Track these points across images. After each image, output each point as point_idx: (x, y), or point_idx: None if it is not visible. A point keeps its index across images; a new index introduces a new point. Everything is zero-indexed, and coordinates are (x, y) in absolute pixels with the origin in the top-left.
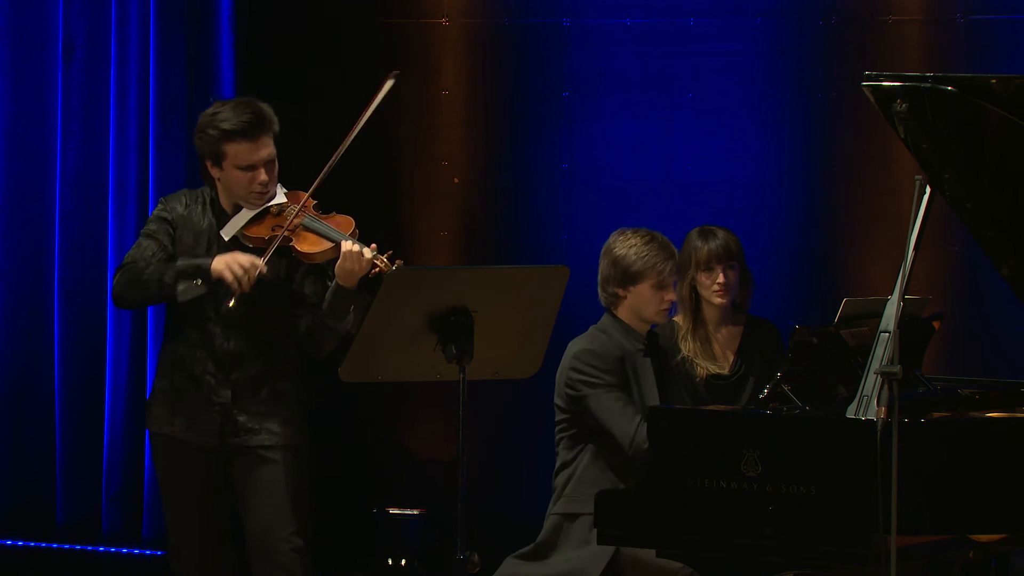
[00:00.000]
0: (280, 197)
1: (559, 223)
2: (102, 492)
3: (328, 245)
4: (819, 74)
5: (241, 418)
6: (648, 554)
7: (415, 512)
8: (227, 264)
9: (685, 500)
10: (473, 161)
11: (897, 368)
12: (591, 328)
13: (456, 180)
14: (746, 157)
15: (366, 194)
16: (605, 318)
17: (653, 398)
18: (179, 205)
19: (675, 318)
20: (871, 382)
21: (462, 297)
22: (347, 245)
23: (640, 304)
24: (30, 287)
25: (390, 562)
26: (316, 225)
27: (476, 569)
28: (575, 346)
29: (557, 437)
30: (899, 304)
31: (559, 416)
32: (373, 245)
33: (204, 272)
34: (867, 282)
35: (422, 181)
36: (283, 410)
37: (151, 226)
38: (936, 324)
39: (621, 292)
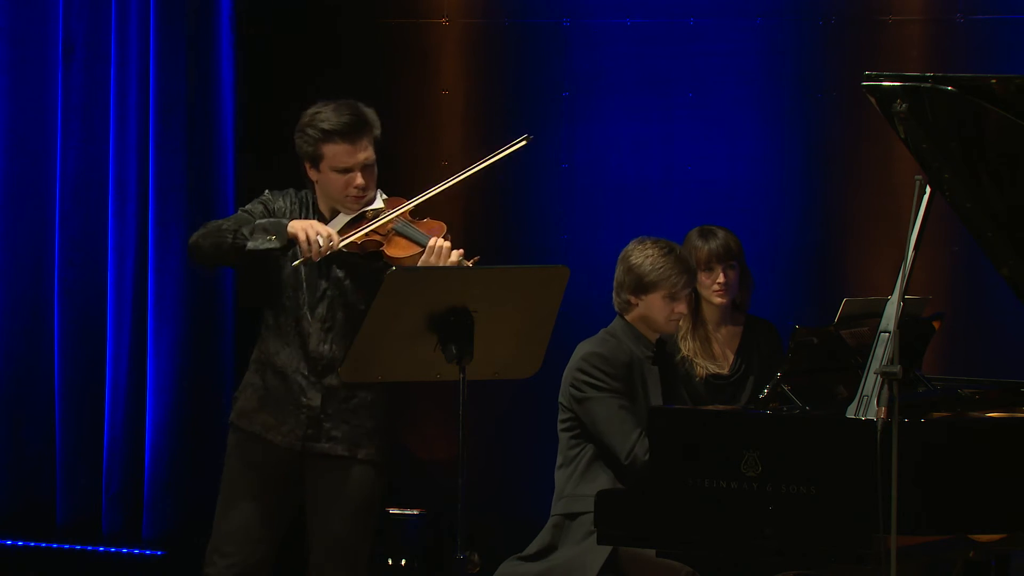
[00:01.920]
0: (378, 202)
1: (559, 223)
2: (102, 492)
3: (417, 249)
4: (819, 74)
5: (327, 424)
6: (648, 552)
7: (415, 512)
8: (304, 227)
9: (685, 500)
10: (473, 161)
11: (897, 368)
12: (601, 331)
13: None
14: (746, 157)
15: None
16: (617, 322)
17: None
18: (283, 201)
19: None
20: (871, 382)
21: (462, 297)
22: (435, 241)
23: (651, 313)
24: (30, 287)
25: (390, 562)
26: (408, 230)
27: (476, 569)
28: (584, 348)
29: (560, 435)
30: (899, 304)
31: (563, 415)
32: (461, 250)
33: (281, 228)
34: (867, 282)
35: (422, 181)
36: (368, 422)
37: (250, 206)
38: (936, 324)
39: (633, 300)
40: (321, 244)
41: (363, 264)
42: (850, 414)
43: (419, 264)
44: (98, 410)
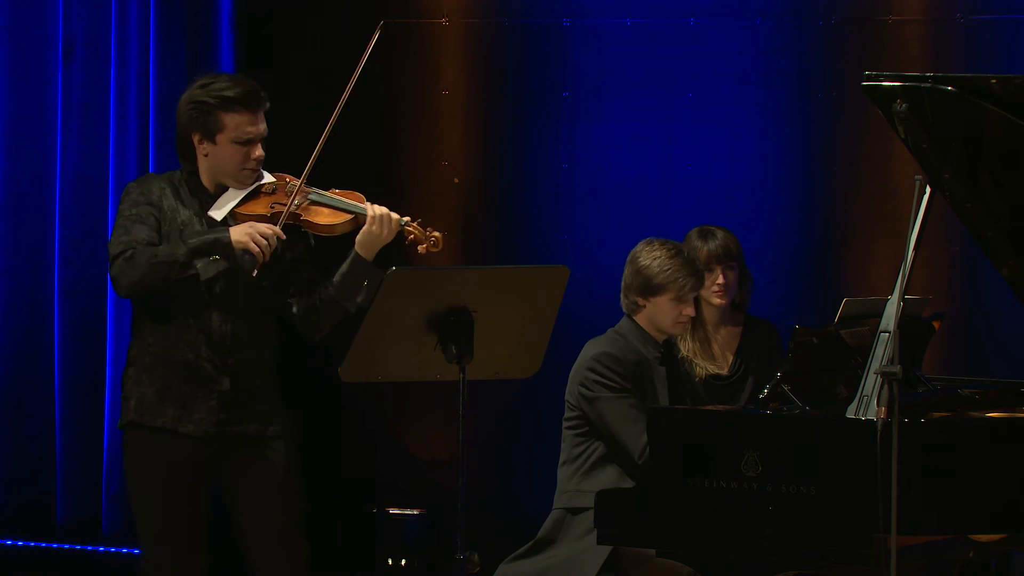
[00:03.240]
0: (267, 177)
1: (559, 223)
2: (102, 492)
3: (347, 216)
4: (819, 74)
5: (237, 405)
6: (648, 552)
7: (415, 512)
8: (248, 233)
9: (685, 500)
10: (473, 161)
11: (897, 368)
12: (609, 331)
13: (456, 180)
14: (746, 157)
15: (366, 194)
16: (624, 322)
17: None
18: (154, 189)
19: None
20: (871, 382)
21: (462, 297)
22: (377, 209)
23: (658, 315)
24: (30, 287)
25: (390, 562)
26: (326, 199)
27: (476, 569)
28: (594, 347)
29: (565, 432)
30: (899, 304)
31: (569, 412)
32: (400, 216)
33: (223, 246)
34: (867, 282)
35: (422, 181)
36: (274, 398)
37: (133, 210)
38: (936, 324)
39: (641, 301)
40: (270, 243)
41: (257, 268)
42: (850, 414)
43: (362, 234)
44: (98, 410)
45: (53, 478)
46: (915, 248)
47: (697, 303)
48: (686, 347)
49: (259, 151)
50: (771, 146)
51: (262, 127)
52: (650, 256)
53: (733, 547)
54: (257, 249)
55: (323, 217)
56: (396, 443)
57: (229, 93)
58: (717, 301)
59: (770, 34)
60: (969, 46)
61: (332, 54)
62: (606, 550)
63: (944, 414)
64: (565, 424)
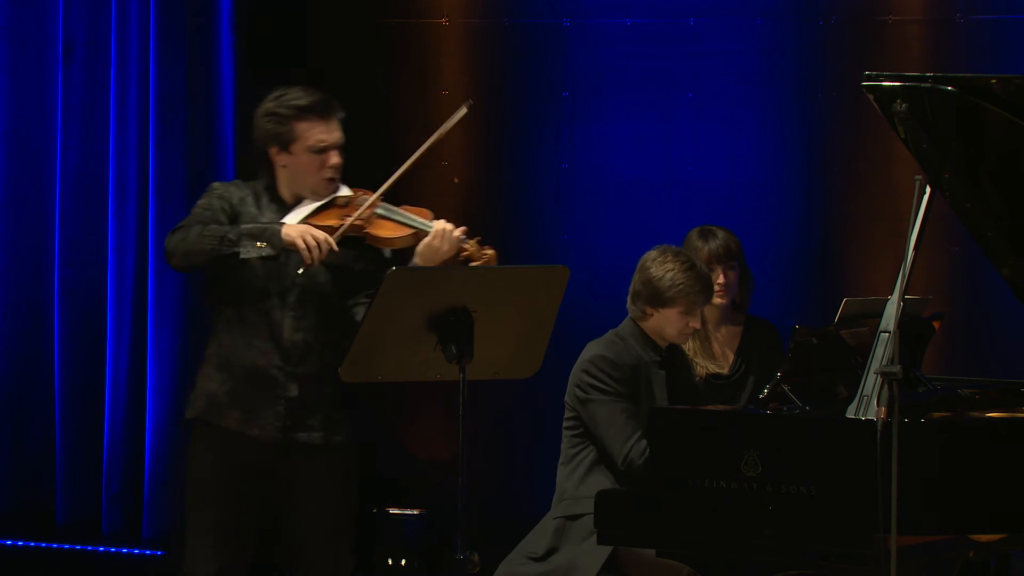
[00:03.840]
0: (345, 190)
1: (559, 223)
2: (102, 492)
3: (408, 231)
4: (819, 74)
5: (304, 413)
6: (648, 552)
7: (415, 512)
8: (301, 233)
9: (685, 500)
10: (473, 161)
11: (897, 368)
12: (610, 332)
13: (456, 180)
14: (746, 157)
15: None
16: (627, 325)
17: None
18: (236, 193)
19: None
20: (871, 382)
21: (462, 297)
22: (440, 224)
23: (665, 325)
24: (30, 287)
25: (390, 562)
26: (393, 214)
27: (476, 569)
28: (592, 350)
29: (564, 433)
30: (899, 304)
31: (567, 414)
32: (464, 227)
33: (273, 235)
34: (867, 282)
35: (422, 181)
36: (342, 408)
37: (207, 203)
38: (936, 324)
39: (649, 310)
40: (321, 249)
41: (339, 252)
42: (850, 414)
43: (423, 246)
44: (98, 410)
45: (53, 478)
46: (915, 248)
47: None
48: (686, 346)
49: (335, 158)
50: (771, 146)
51: (336, 135)
52: (663, 268)
53: (733, 547)
54: (305, 250)
55: (385, 231)
56: (396, 443)
57: (302, 102)
58: (718, 301)
59: (770, 34)
60: (969, 46)
61: (332, 54)
62: (605, 551)
63: (944, 414)
64: (564, 425)
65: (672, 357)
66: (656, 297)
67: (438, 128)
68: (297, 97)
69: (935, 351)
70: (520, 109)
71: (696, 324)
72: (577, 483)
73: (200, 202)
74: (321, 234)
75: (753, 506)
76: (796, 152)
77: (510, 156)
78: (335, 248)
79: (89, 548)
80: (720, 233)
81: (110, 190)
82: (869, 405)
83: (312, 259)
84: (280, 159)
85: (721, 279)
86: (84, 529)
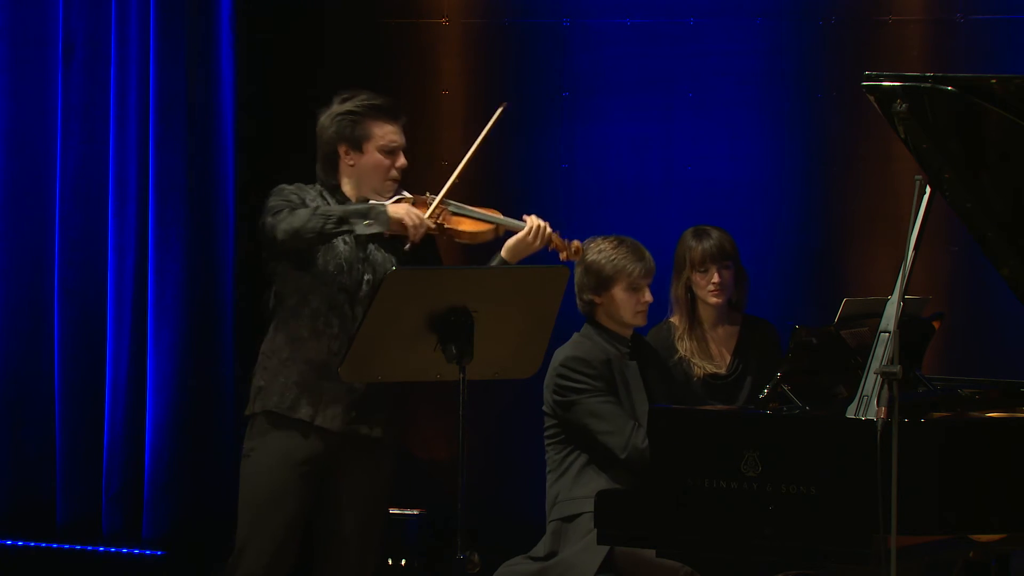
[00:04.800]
0: (406, 194)
1: (559, 223)
2: (102, 492)
3: (488, 227)
4: (819, 74)
5: (370, 407)
6: (647, 553)
7: (415, 512)
8: (405, 212)
9: (685, 500)
10: (473, 161)
11: (897, 368)
12: (574, 335)
13: (456, 180)
14: (746, 157)
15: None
16: (586, 327)
17: (642, 401)
18: (306, 194)
19: (671, 319)
20: (871, 382)
21: (462, 297)
22: (533, 220)
23: (615, 308)
24: (30, 287)
25: (390, 562)
26: (466, 211)
27: (476, 569)
28: (561, 353)
29: (547, 443)
30: (899, 304)
31: (547, 422)
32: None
33: (380, 214)
34: (867, 282)
35: (422, 181)
36: (400, 405)
37: (283, 193)
38: (936, 324)
39: (596, 299)
40: (421, 229)
41: (408, 249)
42: (850, 414)
43: (516, 241)
44: (98, 410)
45: (53, 478)
46: (915, 248)
47: (693, 303)
48: (683, 347)
49: (402, 160)
50: (771, 146)
51: (403, 138)
52: (595, 251)
53: (733, 547)
54: (412, 227)
55: (466, 226)
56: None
57: (376, 102)
58: (713, 300)
59: (770, 34)
60: (969, 46)
61: (332, 54)
62: (604, 551)
63: (944, 414)
64: (546, 435)
65: (639, 348)
66: (597, 281)
67: (481, 130)
68: (371, 98)
69: (935, 351)
70: (520, 109)
71: (648, 298)
72: (570, 485)
73: (283, 193)
74: (420, 213)
75: (753, 506)
76: (796, 152)
77: (510, 156)
78: (432, 228)
79: (89, 548)
80: (714, 233)
81: (110, 190)
82: (869, 405)
83: (416, 236)
84: (349, 158)
85: (716, 278)
86: (84, 529)
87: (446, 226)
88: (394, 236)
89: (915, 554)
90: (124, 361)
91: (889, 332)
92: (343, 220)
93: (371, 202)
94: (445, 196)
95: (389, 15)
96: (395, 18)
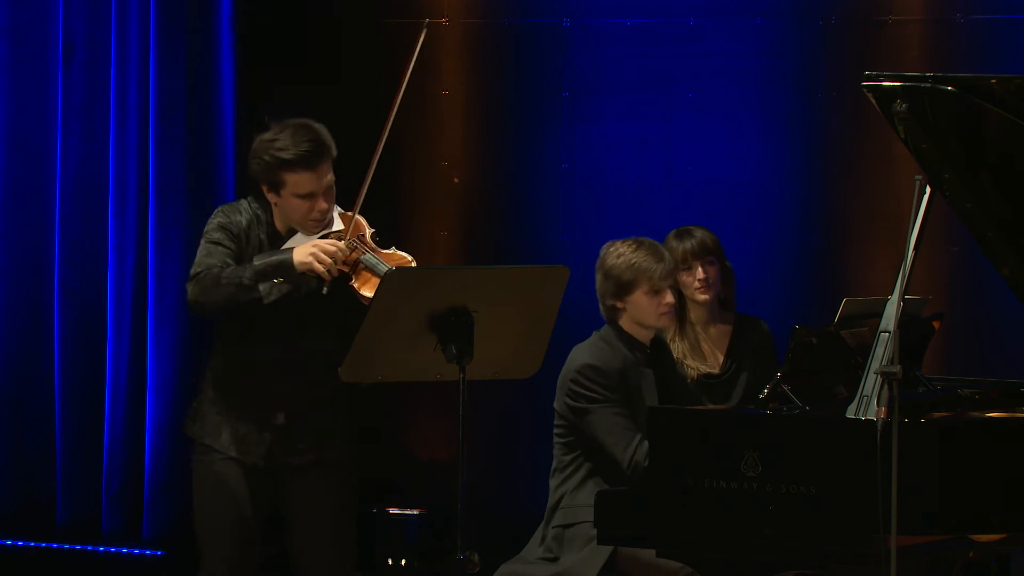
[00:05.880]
0: (336, 222)
1: (559, 223)
2: (102, 492)
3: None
4: (819, 74)
5: (292, 439)
6: (648, 553)
7: (415, 512)
8: (311, 254)
9: (685, 500)
10: (473, 161)
11: (897, 368)
12: (594, 335)
13: (456, 180)
14: (746, 157)
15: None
16: (607, 328)
17: None
18: (240, 216)
19: None
20: (871, 382)
21: (462, 297)
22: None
23: (638, 313)
24: (30, 287)
25: (390, 562)
26: (372, 261)
27: (476, 569)
28: (578, 357)
29: (555, 440)
30: (899, 304)
31: (557, 420)
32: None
33: (286, 268)
34: (867, 282)
35: (422, 181)
36: (331, 423)
37: (215, 234)
38: (936, 324)
39: (619, 304)
40: (335, 259)
41: (326, 292)
42: (850, 414)
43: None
44: (98, 410)
45: (53, 478)
46: (915, 248)
47: (683, 303)
48: (676, 348)
49: (322, 203)
50: (771, 146)
51: (325, 180)
52: (615, 256)
53: (733, 547)
54: (322, 268)
55: (367, 287)
56: (396, 443)
57: (286, 155)
58: (701, 297)
59: (770, 34)
60: (969, 46)
61: (332, 54)
62: (606, 552)
63: (944, 414)
64: (556, 432)
65: (659, 353)
66: (619, 287)
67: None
68: (284, 147)
69: (935, 351)
70: (520, 109)
71: (670, 300)
72: (573, 491)
73: (208, 232)
74: (330, 244)
75: (753, 506)
76: (796, 152)
77: (510, 156)
78: (347, 253)
79: (89, 548)
80: (697, 232)
81: (110, 190)
82: (869, 405)
83: (332, 273)
84: (270, 196)
85: (701, 274)
86: (84, 529)
87: (354, 282)
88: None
89: (915, 554)
90: (124, 361)
91: (889, 332)
92: (251, 287)
93: (281, 250)
94: (363, 237)
95: (389, 15)
96: (395, 18)
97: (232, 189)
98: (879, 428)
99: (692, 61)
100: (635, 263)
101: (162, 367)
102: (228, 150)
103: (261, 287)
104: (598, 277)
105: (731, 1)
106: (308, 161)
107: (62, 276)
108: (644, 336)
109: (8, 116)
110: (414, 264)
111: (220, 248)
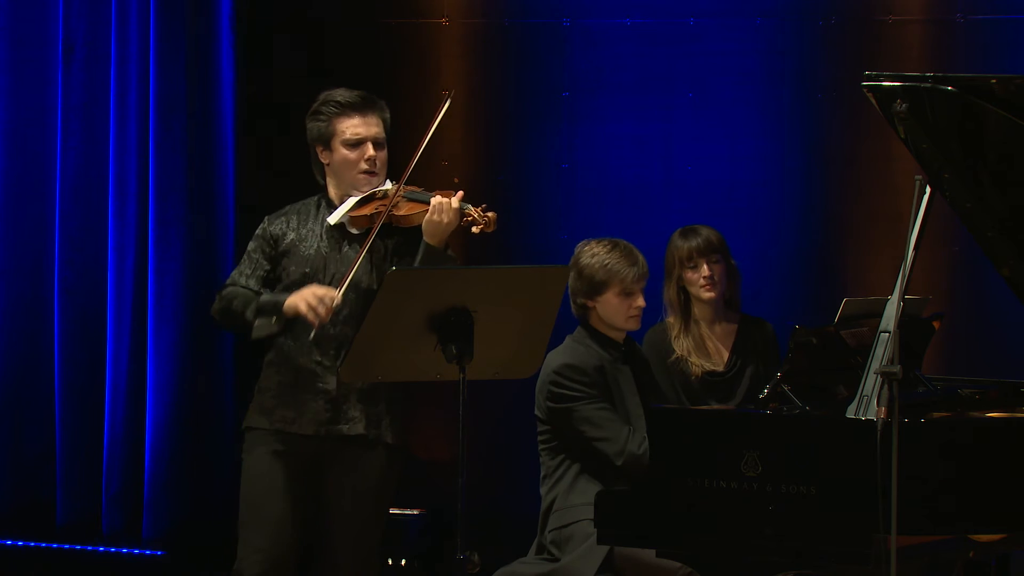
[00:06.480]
0: (388, 185)
1: (559, 223)
2: (102, 492)
3: (422, 207)
4: (819, 74)
5: (345, 405)
6: (645, 553)
7: (415, 512)
8: (303, 298)
9: (685, 500)
10: (473, 161)
11: (897, 368)
12: (567, 339)
13: (456, 180)
14: (746, 157)
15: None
16: (579, 330)
17: (636, 406)
18: (282, 221)
19: (667, 319)
20: (871, 382)
21: (462, 297)
22: (437, 198)
23: (609, 313)
24: (30, 287)
25: (390, 562)
26: (414, 195)
27: (476, 569)
28: (554, 360)
29: (540, 448)
30: (899, 304)
31: (540, 427)
32: (460, 192)
33: (277, 309)
34: (867, 282)
35: (422, 181)
36: (384, 404)
37: (251, 244)
38: (936, 324)
39: (589, 303)
40: (325, 306)
41: (377, 242)
42: (850, 414)
43: (426, 222)
44: (98, 410)
45: (53, 478)
46: (915, 248)
47: (688, 302)
48: (680, 346)
49: (371, 150)
50: (771, 146)
51: (374, 129)
52: (589, 255)
53: (733, 547)
54: (312, 316)
55: (403, 209)
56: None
57: (339, 98)
58: (707, 295)
59: (770, 34)
60: (969, 46)
61: (332, 54)
62: (602, 553)
63: (944, 414)
64: (540, 440)
65: (631, 352)
66: (591, 286)
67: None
68: (338, 95)
69: (935, 351)
70: (520, 109)
71: (641, 303)
72: (565, 493)
73: (250, 244)
74: (322, 290)
75: (753, 506)
76: (796, 152)
77: (510, 156)
78: (338, 302)
79: (89, 548)
80: (703, 230)
81: (110, 190)
82: (869, 405)
83: (322, 319)
84: (324, 157)
85: (706, 271)
86: (84, 529)
87: (394, 213)
88: (361, 232)
89: (915, 554)
90: (124, 361)
91: (889, 332)
92: (249, 324)
93: (276, 298)
94: (406, 182)
95: (389, 15)
96: (395, 18)
97: (232, 189)
98: (879, 428)
99: (692, 61)
100: (608, 264)
101: (162, 367)
102: (228, 150)
103: (258, 321)
104: (571, 275)
105: (731, 1)
106: (358, 105)
107: (62, 276)
108: (616, 335)
109: (8, 116)
110: (460, 195)
111: (248, 259)
